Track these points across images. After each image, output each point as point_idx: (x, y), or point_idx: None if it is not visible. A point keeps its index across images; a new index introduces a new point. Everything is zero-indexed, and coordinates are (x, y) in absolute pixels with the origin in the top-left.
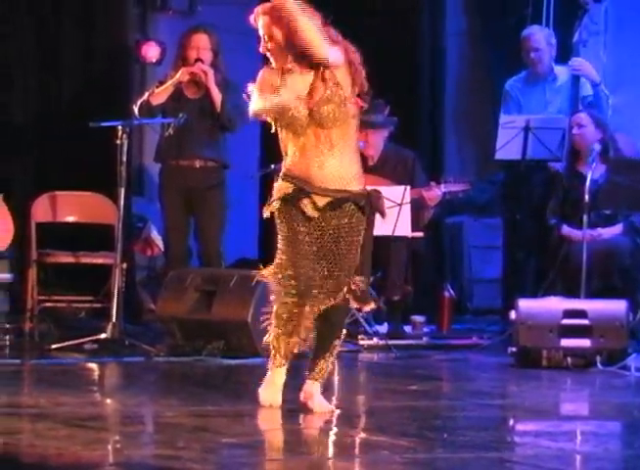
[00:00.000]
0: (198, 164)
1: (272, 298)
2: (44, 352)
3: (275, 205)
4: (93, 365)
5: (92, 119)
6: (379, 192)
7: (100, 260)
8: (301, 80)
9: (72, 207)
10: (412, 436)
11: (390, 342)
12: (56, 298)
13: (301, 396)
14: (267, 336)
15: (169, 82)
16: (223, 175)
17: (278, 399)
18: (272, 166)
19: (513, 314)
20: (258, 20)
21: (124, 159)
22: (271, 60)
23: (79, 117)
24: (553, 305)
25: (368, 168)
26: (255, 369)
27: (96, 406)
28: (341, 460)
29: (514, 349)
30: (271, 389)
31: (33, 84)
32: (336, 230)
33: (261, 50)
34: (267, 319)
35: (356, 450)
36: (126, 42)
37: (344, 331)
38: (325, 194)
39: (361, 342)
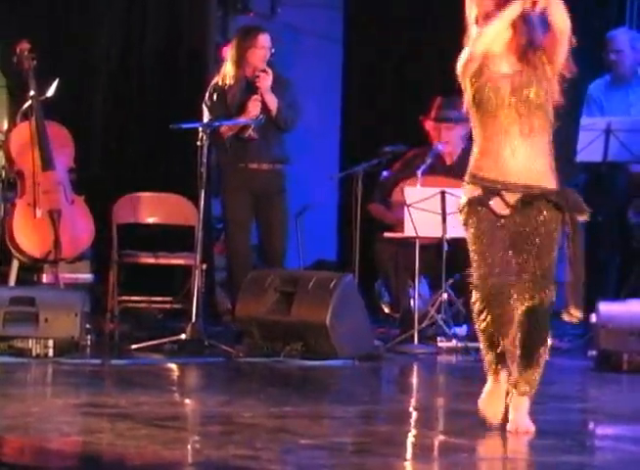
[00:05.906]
0: (265, 166)
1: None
2: (124, 353)
3: (464, 209)
4: (173, 366)
5: (173, 121)
6: (573, 191)
7: (180, 261)
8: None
9: (153, 208)
10: (491, 438)
11: (470, 344)
12: (136, 298)
13: (506, 411)
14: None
15: (234, 130)
16: (286, 180)
17: (498, 411)
18: (352, 168)
19: (593, 317)
20: None
21: (204, 160)
22: None
23: (160, 118)
24: (635, 308)
25: (446, 168)
26: (334, 371)
27: (175, 406)
28: (419, 462)
29: (594, 352)
30: (491, 400)
31: (115, 86)
32: (528, 229)
33: None
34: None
35: (435, 453)
36: (208, 44)
37: (549, 339)
38: (515, 190)
39: (440, 344)
